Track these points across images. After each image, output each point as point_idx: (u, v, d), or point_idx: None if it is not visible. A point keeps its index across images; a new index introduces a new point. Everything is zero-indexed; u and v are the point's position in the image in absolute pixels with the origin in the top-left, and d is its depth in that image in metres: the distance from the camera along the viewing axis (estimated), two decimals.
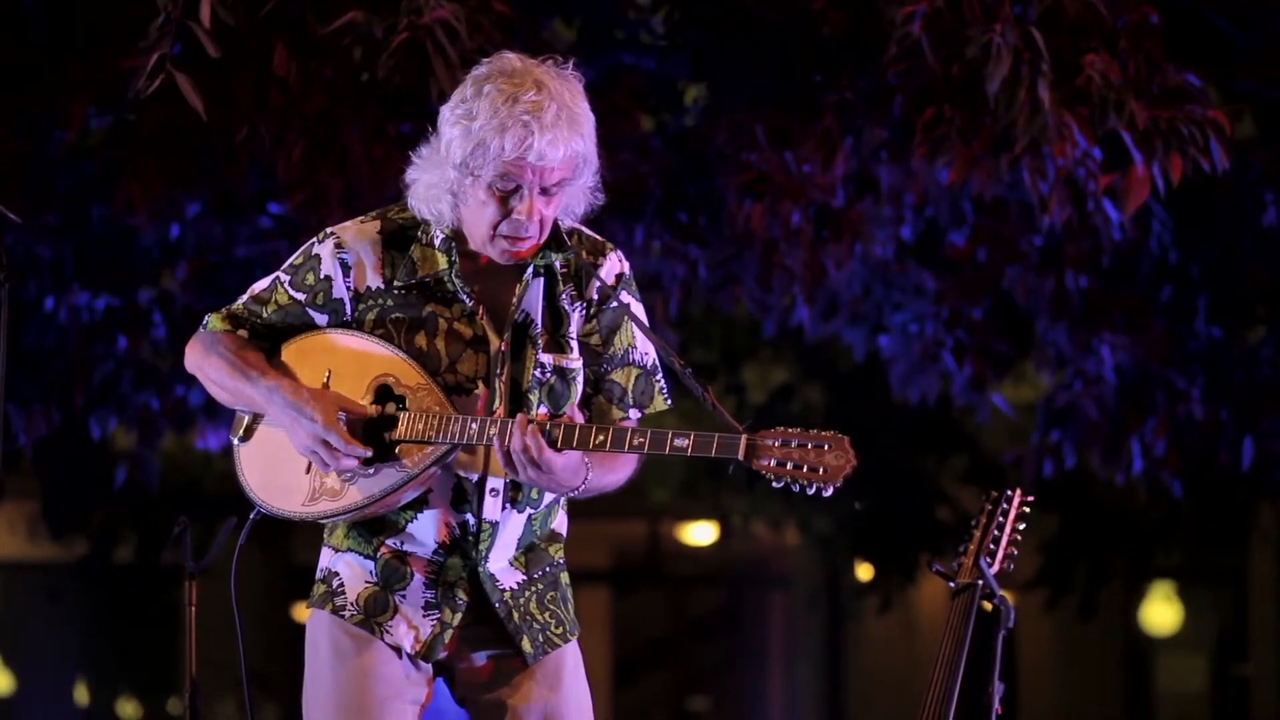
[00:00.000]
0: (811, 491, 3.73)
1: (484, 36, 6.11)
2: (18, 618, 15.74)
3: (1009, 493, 4.58)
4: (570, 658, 4.12)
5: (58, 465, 11.04)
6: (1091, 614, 14.10)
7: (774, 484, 3.76)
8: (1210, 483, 9.66)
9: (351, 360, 3.99)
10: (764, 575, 17.17)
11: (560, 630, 4.09)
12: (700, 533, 16.75)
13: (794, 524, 14.97)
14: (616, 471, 4.05)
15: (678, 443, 3.78)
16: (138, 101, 6.31)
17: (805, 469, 3.73)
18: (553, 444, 3.81)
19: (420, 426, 3.92)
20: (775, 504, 14.14)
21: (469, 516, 4.00)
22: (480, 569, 4.01)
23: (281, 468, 4.02)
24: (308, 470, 3.99)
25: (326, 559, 4.10)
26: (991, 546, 4.48)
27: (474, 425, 3.88)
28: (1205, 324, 8.71)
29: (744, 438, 3.75)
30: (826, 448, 3.73)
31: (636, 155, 7.54)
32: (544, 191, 3.92)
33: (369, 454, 3.91)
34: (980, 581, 4.43)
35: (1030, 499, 4.58)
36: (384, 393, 3.97)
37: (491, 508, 4.00)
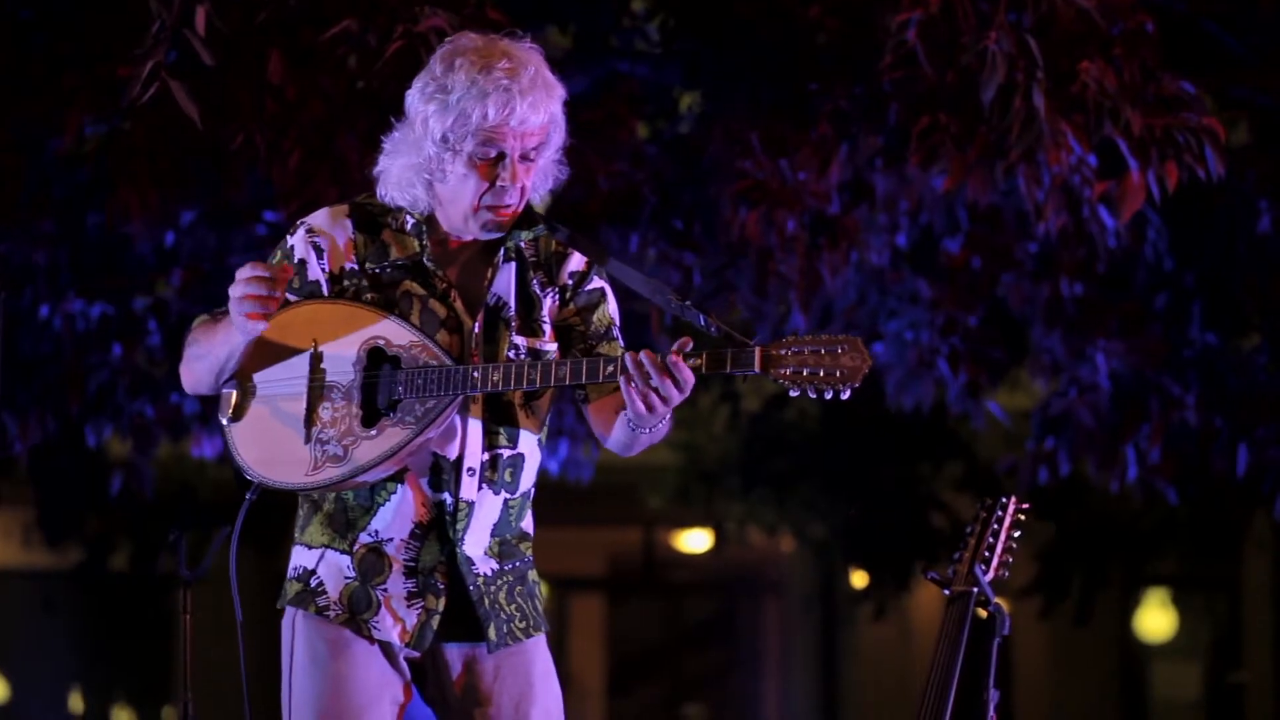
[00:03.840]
0: (830, 396, 3.73)
1: None
2: (12, 626, 15.72)
3: (1004, 500, 4.58)
4: (540, 662, 4.10)
5: (53, 473, 11.04)
6: (1086, 621, 14.09)
7: (792, 392, 3.77)
8: (1205, 490, 9.65)
9: (339, 327, 3.99)
10: (759, 582, 17.16)
11: (524, 625, 4.06)
12: (695, 540, 16.73)
13: (788, 531, 14.95)
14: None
15: (692, 363, 3.78)
16: (133, 109, 6.31)
17: (822, 373, 3.74)
18: (696, 370, 3.80)
19: (420, 382, 3.91)
20: (770, 511, 14.12)
21: (446, 495, 3.98)
22: (457, 551, 3.99)
23: (280, 441, 3.99)
24: (307, 440, 3.96)
25: (300, 557, 4.08)
26: (986, 554, 4.49)
27: (475, 374, 3.89)
28: (1200, 331, 8.71)
29: (758, 349, 3.76)
30: (841, 350, 3.74)
31: (631, 163, 7.54)
32: (524, 158, 3.97)
33: (287, 270, 3.94)
34: (975, 589, 4.44)
35: (1025, 506, 4.58)
36: (376, 355, 3.96)
37: (469, 487, 3.97)
